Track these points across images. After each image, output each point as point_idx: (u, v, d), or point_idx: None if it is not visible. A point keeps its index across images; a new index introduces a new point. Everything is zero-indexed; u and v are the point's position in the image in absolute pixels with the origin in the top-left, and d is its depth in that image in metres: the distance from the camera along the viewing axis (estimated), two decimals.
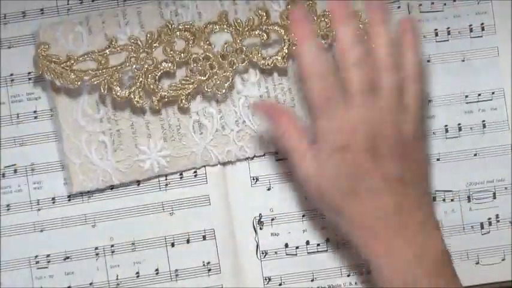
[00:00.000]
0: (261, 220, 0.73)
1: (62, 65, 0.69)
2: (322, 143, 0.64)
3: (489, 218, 0.73)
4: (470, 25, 0.74)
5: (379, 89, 0.63)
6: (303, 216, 0.73)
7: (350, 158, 0.63)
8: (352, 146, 0.63)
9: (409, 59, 0.65)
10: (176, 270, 0.72)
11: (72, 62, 0.69)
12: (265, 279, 0.72)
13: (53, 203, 0.71)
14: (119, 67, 0.69)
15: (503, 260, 0.73)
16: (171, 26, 0.70)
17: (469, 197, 0.73)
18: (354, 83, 0.63)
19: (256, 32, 0.70)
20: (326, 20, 0.71)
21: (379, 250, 0.63)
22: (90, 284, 0.72)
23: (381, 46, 0.64)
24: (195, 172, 0.72)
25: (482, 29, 0.74)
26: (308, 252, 0.73)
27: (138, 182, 0.72)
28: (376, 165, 0.63)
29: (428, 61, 0.74)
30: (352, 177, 0.63)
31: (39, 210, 0.71)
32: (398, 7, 0.74)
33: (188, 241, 0.72)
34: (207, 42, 0.70)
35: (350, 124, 0.63)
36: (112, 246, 0.72)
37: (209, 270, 0.72)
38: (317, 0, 0.71)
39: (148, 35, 0.70)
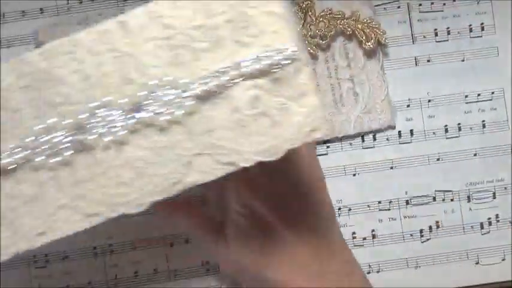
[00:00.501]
0: None
1: None
2: None
3: (489, 218, 0.73)
4: (470, 25, 0.74)
5: None
6: None
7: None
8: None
9: None
10: (175, 270, 0.72)
11: None
12: None
13: None
14: None
15: (503, 260, 0.73)
16: None
17: (469, 197, 0.73)
18: None
19: None
20: (325, 20, 0.71)
21: None
22: (89, 283, 0.72)
23: None
24: None
25: (482, 29, 0.74)
26: None
27: None
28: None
29: (428, 61, 0.74)
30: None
31: None
32: (398, 7, 0.74)
33: (187, 241, 0.72)
34: None
35: None
36: (110, 245, 0.72)
37: (208, 270, 0.72)
38: (316, 0, 0.71)
39: None
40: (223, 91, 0.54)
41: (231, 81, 0.54)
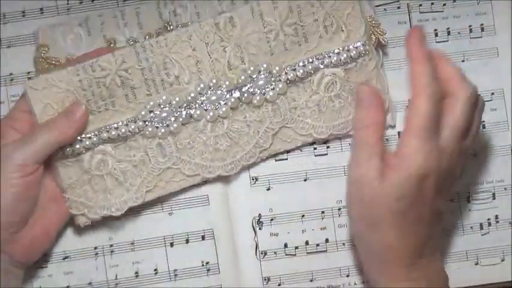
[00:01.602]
0: (261, 220, 0.73)
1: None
2: (406, 161, 0.62)
3: (488, 219, 0.73)
4: (470, 26, 0.74)
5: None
6: (303, 216, 0.73)
7: (422, 187, 0.62)
8: (430, 177, 0.62)
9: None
10: (175, 270, 0.72)
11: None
12: (265, 280, 0.72)
13: None
14: None
15: (503, 260, 0.73)
16: (170, 27, 0.71)
17: (468, 198, 0.73)
18: (450, 119, 0.63)
19: None
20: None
21: (395, 275, 0.64)
22: (89, 283, 0.72)
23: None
24: None
25: (482, 29, 0.74)
26: (307, 253, 0.73)
27: None
28: (435, 198, 0.63)
29: None
30: (413, 204, 0.62)
31: None
32: (398, 7, 0.74)
33: (187, 241, 0.72)
34: None
35: (439, 155, 0.62)
36: (111, 246, 0.72)
37: (208, 270, 0.72)
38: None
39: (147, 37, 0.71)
40: (307, 77, 0.70)
41: (314, 69, 0.70)
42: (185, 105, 0.68)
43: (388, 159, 0.63)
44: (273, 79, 0.69)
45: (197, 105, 0.69)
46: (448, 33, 0.74)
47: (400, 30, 0.74)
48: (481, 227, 0.73)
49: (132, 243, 0.72)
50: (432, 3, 0.74)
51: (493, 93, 0.74)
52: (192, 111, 0.69)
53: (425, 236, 0.64)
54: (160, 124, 0.68)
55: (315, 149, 0.73)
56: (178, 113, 0.68)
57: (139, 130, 0.68)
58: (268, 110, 0.70)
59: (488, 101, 0.74)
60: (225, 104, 0.69)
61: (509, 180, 0.73)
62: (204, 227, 0.72)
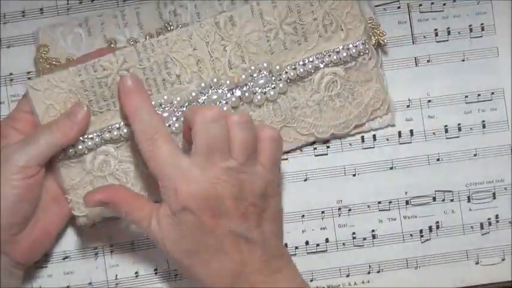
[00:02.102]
0: None
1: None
2: (164, 204, 0.63)
3: (489, 219, 0.73)
4: (470, 25, 0.74)
5: (226, 149, 0.63)
6: (303, 216, 0.73)
7: (190, 219, 0.62)
8: (191, 206, 0.61)
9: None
10: (175, 270, 0.72)
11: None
12: None
13: None
14: None
15: (503, 260, 0.73)
16: (170, 28, 0.71)
17: (468, 197, 0.73)
18: (196, 141, 0.62)
19: None
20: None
21: None
22: (89, 283, 0.71)
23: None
24: None
25: (482, 29, 0.74)
26: (307, 252, 0.73)
27: None
28: (218, 224, 0.62)
29: (428, 61, 0.74)
30: (194, 239, 0.62)
31: None
32: (398, 7, 0.74)
33: None
34: None
35: (188, 184, 0.62)
36: (111, 246, 0.72)
37: None
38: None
39: (147, 37, 0.71)
40: (307, 76, 0.70)
41: (314, 68, 0.70)
42: (186, 104, 0.68)
43: (158, 211, 0.64)
44: (273, 78, 0.69)
45: (198, 104, 0.69)
46: (448, 32, 0.74)
47: (400, 30, 0.74)
48: (481, 227, 0.73)
49: (132, 243, 0.72)
50: (432, 3, 0.74)
51: (493, 93, 0.74)
52: None
53: (232, 260, 0.62)
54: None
55: (315, 149, 0.73)
56: (179, 113, 0.68)
57: None
58: (269, 109, 0.70)
59: (488, 100, 0.74)
60: (226, 103, 0.69)
61: (509, 180, 0.73)
62: None
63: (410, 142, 0.73)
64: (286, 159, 0.73)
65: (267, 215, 0.64)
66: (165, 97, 0.68)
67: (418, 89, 0.74)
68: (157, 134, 0.64)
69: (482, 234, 0.73)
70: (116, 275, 0.72)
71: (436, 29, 0.74)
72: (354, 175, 0.73)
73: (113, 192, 0.65)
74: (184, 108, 0.68)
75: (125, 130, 0.68)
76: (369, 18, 0.72)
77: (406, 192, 0.73)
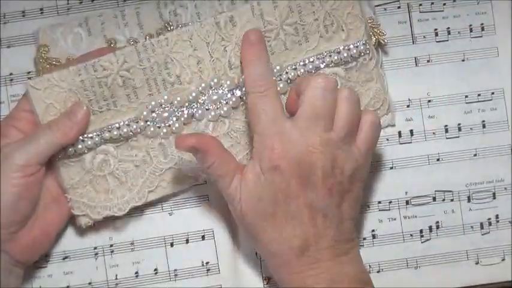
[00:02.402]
0: None
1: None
2: (254, 161, 0.63)
3: (489, 218, 0.73)
4: (470, 25, 0.74)
5: (330, 120, 0.63)
6: None
7: (278, 180, 0.62)
8: (283, 167, 0.62)
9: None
10: (175, 270, 0.72)
11: None
12: (265, 279, 0.72)
13: None
14: None
15: (503, 260, 0.73)
16: (170, 28, 0.71)
17: (468, 197, 0.73)
18: (304, 106, 0.63)
19: None
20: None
21: (290, 281, 0.63)
22: (89, 283, 0.71)
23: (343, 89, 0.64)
24: None
25: (482, 29, 0.74)
26: None
27: None
28: (303, 193, 0.62)
29: (428, 61, 0.74)
30: (275, 201, 0.62)
31: None
32: (398, 7, 0.74)
33: (187, 241, 0.72)
34: None
35: (285, 145, 0.62)
36: (111, 246, 0.72)
37: (208, 270, 0.72)
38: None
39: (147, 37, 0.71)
40: (308, 76, 0.69)
41: (315, 69, 0.70)
42: (187, 104, 0.68)
43: (246, 167, 0.64)
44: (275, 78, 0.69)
45: (198, 104, 0.69)
46: (448, 32, 0.74)
47: (400, 30, 0.74)
48: (482, 227, 0.73)
49: (132, 243, 0.72)
50: (432, 3, 0.74)
51: (493, 93, 0.74)
52: (193, 111, 0.69)
53: (306, 232, 0.62)
54: (162, 124, 0.68)
55: None
56: (180, 113, 0.68)
57: (141, 130, 0.68)
58: None
59: (488, 100, 0.74)
60: (226, 103, 0.69)
61: (509, 180, 0.73)
62: (204, 227, 0.72)
63: (410, 142, 0.73)
64: None
65: (349, 197, 0.64)
66: (165, 97, 0.68)
67: (418, 89, 0.74)
68: (270, 89, 0.64)
69: (482, 234, 0.73)
70: (116, 275, 0.72)
71: (436, 29, 0.74)
72: None
73: (206, 141, 0.64)
74: (184, 109, 0.68)
75: (125, 130, 0.68)
76: (369, 18, 0.72)
77: (406, 192, 0.73)
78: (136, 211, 0.71)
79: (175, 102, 0.68)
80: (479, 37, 0.74)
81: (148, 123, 0.68)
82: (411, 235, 0.73)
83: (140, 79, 0.67)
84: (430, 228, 0.73)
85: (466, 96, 0.74)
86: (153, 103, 0.68)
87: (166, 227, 0.72)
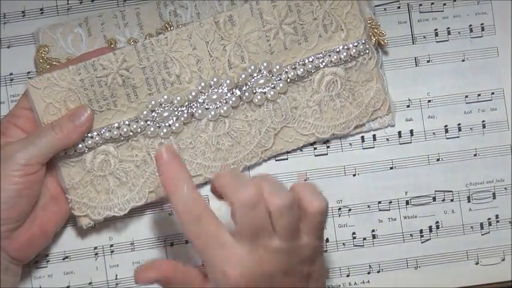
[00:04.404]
0: None
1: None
2: (211, 283, 0.60)
3: (489, 218, 0.73)
4: (470, 25, 0.74)
5: (269, 226, 0.60)
6: None
7: None
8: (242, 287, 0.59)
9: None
10: None
11: None
12: None
13: None
14: None
15: (503, 260, 0.73)
16: (170, 28, 0.71)
17: (468, 197, 0.73)
18: (238, 226, 0.60)
19: None
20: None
21: None
22: (89, 283, 0.71)
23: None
24: None
25: (482, 29, 0.74)
26: None
27: None
28: None
29: (428, 61, 0.74)
30: None
31: None
32: (398, 7, 0.74)
33: (187, 241, 0.72)
34: None
35: (236, 268, 0.59)
36: (111, 246, 0.72)
37: None
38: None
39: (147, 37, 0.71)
40: (308, 76, 0.70)
41: (314, 68, 0.70)
42: (186, 104, 0.68)
43: None
44: (273, 78, 0.69)
45: (198, 104, 0.69)
46: (448, 32, 0.74)
47: (400, 30, 0.74)
48: (481, 227, 0.73)
49: (132, 243, 0.72)
50: (432, 3, 0.74)
51: (493, 93, 0.74)
52: (193, 111, 0.69)
53: None
54: (162, 124, 0.68)
55: (315, 149, 0.73)
56: (179, 112, 0.68)
57: (141, 130, 0.68)
58: (270, 109, 0.70)
59: (488, 101, 0.74)
60: (226, 103, 0.69)
61: (509, 180, 0.73)
62: None
63: (410, 142, 0.73)
64: (286, 159, 0.73)
65: (314, 275, 0.62)
66: (165, 97, 0.68)
67: (418, 89, 0.74)
68: (202, 212, 0.60)
69: (482, 234, 0.73)
70: (116, 275, 0.72)
71: (436, 29, 0.74)
72: (354, 175, 0.73)
73: (165, 269, 0.61)
74: (184, 108, 0.68)
75: (125, 129, 0.68)
76: (369, 18, 0.72)
77: (406, 192, 0.73)
78: (137, 211, 0.71)
79: (175, 101, 0.68)
80: (479, 37, 0.74)
81: (149, 122, 0.68)
82: (411, 235, 0.73)
83: (140, 78, 0.67)
84: (430, 228, 0.73)
85: (466, 97, 0.74)
86: (152, 102, 0.68)
87: (166, 227, 0.72)
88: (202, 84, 0.68)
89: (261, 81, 0.69)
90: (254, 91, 0.69)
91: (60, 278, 0.71)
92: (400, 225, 0.73)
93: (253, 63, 0.69)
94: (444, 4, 0.74)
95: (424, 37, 0.74)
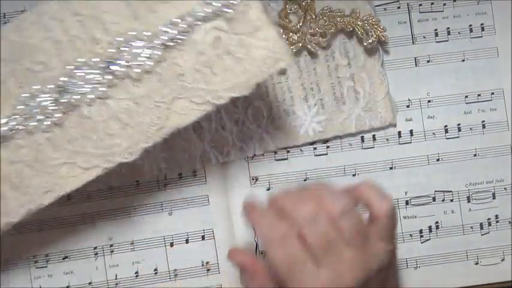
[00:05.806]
0: None
1: None
2: None
3: (489, 219, 0.73)
4: (470, 25, 0.74)
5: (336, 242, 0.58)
6: None
7: None
8: None
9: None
10: (175, 270, 0.72)
11: None
12: None
13: None
14: None
15: (503, 260, 0.73)
16: None
17: (468, 198, 0.73)
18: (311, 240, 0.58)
19: None
20: (324, 17, 0.72)
21: None
22: (89, 283, 0.72)
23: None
24: (194, 172, 0.72)
25: (482, 29, 0.74)
26: None
27: (137, 182, 0.72)
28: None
29: (428, 61, 0.74)
30: None
31: None
32: (398, 7, 0.74)
33: (187, 241, 0.72)
34: None
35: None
36: (111, 246, 0.72)
37: (208, 270, 0.72)
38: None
39: None
40: (186, 37, 0.61)
41: (190, 27, 0.61)
42: (60, 90, 0.62)
43: None
44: (146, 46, 0.62)
45: (71, 89, 0.62)
46: (448, 33, 0.74)
47: (400, 30, 0.74)
48: (481, 227, 0.73)
49: (132, 243, 0.72)
50: (432, 3, 0.74)
51: (493, 93, 0.74)
52: (68, 97, 0.62)
53: None
54: (42, 116, 0.62)
55: (315, 149, 0.73)
56: (56, 102, 0.62)
57: (23, 126, 0.62)
58: (154, 82, 0.62)
59: (488, 101, 0.74)
60: (100, 83, 0.62)
61: (509, 180, 0.73)
62: (204, 227, 0.72)
63: (410, 142, 0.73)
64: (286, 159, 0.73)
65: (390, 278, 0.61)
66: (37, 86, 0.62)
67: (418, 89, 0.74)
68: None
69: (482, 234, 0.73)
70: (116, 275, 0.72)
71: (436, 29, 0.74)
72: (354, 175, 0.73)
73: (253, 263, 0.61)
74: (59, 96, 0.62)
75: (5, 128, 0.62)
76: (369, 15, 0.72)
77: (406, 192, 0.73)
78: (136, 211, 0.71)
79: (47, 90, 0.62)
80: (479, 37, 0.74)
81: (26, 117, 0.62)
82: (411, 235, 0.73)
83: (4, 72, 0.62)
84: (430, 228, 0.73)
85: (466, 97, 0.74)
86: (26, 95, 0.62)
87: (166, 227, 0.72)
88: (68, 67, 0.61)
89: (134, 51, 0.61)
90: (129, 65, 0.61)
91: (60, 278, 0.72)
92: (400, 225, 0.73)
93: (119, 34, 0.61)
94: (444, 4, 0.74)
95: (424, 37, 0.74)
